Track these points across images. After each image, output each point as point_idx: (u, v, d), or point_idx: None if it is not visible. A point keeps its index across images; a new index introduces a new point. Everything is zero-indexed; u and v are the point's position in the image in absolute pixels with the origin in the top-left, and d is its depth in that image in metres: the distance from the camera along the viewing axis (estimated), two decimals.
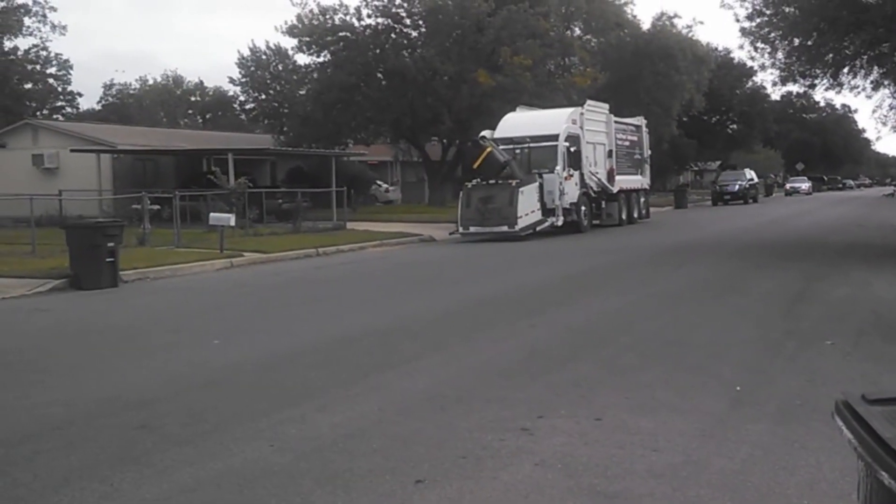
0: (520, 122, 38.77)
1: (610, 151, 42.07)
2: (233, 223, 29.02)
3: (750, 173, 75.33)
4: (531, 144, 36.81)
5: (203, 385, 10.28)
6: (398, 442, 7.75)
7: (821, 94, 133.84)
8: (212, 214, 29.45)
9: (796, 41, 30.00)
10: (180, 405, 9.32)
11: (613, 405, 8.79)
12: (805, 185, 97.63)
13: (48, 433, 8.32)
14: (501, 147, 37.16)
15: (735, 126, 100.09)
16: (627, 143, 45.61)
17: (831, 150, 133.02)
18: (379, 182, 67.68)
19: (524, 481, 6.75)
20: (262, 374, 10.82)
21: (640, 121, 48.55)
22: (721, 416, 8.37)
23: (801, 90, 49.40)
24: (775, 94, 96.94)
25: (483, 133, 37.61)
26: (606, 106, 43.34)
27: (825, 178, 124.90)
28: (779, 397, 9.10)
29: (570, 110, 39.92)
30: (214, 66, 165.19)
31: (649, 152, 49.36)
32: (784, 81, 34.55)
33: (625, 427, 8.01)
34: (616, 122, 43.81)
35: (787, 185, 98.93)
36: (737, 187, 71.52)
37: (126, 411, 9.09)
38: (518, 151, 36.98)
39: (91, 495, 6.67)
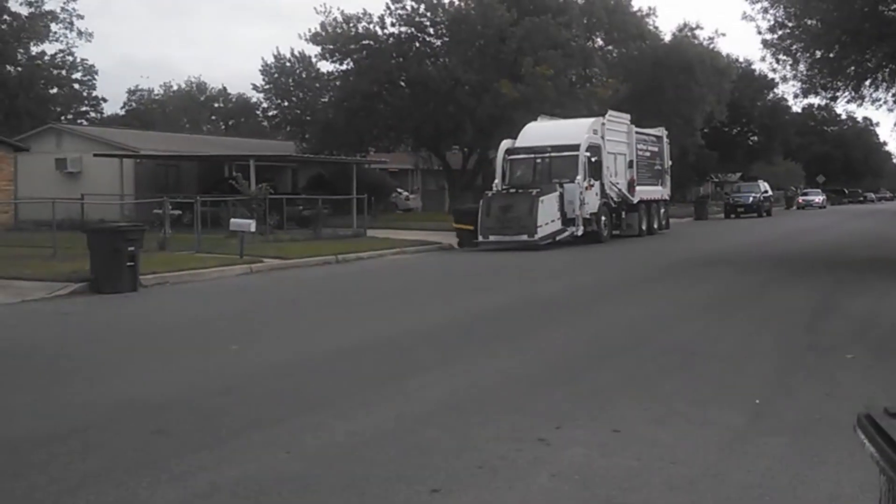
0: (541, 132, 38.74)
1: (631, 162, 41.98)
2: (253, 229, 29.01)
3: (764, 185, 73.77)
4: (552, 154, 36.79)
5: (220, 391, 10.27)
6: (415, 450, 7.73)
7: (842, 107, 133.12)
8: (232, 220, 29.47)
9: (818, 53, 29.92)
10: (197, 410, 9.32)
11: (632, 416, 8.75)
12: (819, 198, 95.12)
13: (65, 436, 8.32)
14: (522, 156, 37.27)
15: (756, 138, 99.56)
16: (648, 154, 45.50)
17: (852, 162, 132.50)
18: (399, 190, 67.79)
19: (541, 492, 6.72)
20: (280, 381, 10.81)
21: (661, 132, 48.40)
22: (740, 430, 8.32)
23: (823, 102, 49.33)
24: (796, 106, 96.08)
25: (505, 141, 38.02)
26: (628, 116, 43.24)
27: (846, 191, 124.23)
28: (799, 411, 9.05)
29: (591, 120, 39.84)
30: (236, 73, 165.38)
31: (670, 163, 49.20)
32: (805, 94, 34.46)
33: (643, 439, 7.97)
34: (637, 132, 43.72)
35: (800, 199, 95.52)
36: (750, 199, 69.89)
37: (143, 415, 9.09)
38: (539, 161, 37.02)
39: (106, 499, 6.66)
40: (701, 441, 7.92)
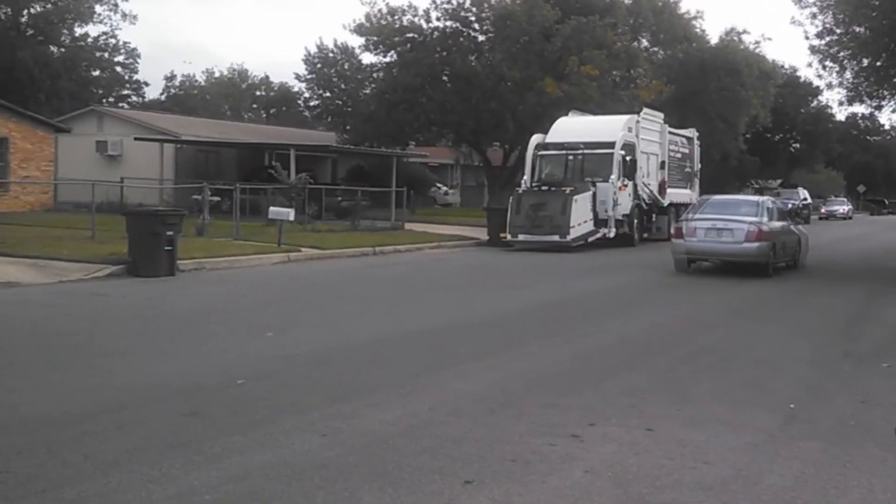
0: (573, 128, 37.90)
1: (662, 163, 40.96)
2: (292, 218, 29.07)
3: (803, 192, 72.70)
4: (585, 151, 36.01)
5: (254, 376, 10.29)
6: (448, 442, 7.75)
7: (887, 117, 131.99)
8: (271, 208, 29.58)
9: (865, 61, 29.76)
10: (231, 394, 9.38)
11: (665, 416, 8.75)
12: (843, 209, 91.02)
13: (100, 415, 8.39)
14: (553, 152, 36.74)
15: (798, 145, 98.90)
16: (679, 156, 44.36)
17: (894, 173, 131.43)
18: (438, 184, 67.76)
19: (573, 487, 6.73)
20: (315, 368, 10.86)
21: (692, 132, 47.21)
22: (773, 433, 8.32)
23: (867, 111, 48.93)
24: (840, 114, 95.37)
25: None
26: (661, 115, 42.19)
27: (885, 202, 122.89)
28: (833, 417, 9.04)
29: (626, 118, 38.92)
30: (279, 62, 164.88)
31: (699, 166, 48.15)
32: (851, 101, 34.21)
33: (676, 439, 7.97)
34: (669, 132, 42.83)
35: (823, 209, 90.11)
36: (788, 206, 69.12)
37: (177, 397, 9.15)
38: (571, 158, 36.41)
39: (140, 479, 6.71)
40: (734, 443, 7.91)
